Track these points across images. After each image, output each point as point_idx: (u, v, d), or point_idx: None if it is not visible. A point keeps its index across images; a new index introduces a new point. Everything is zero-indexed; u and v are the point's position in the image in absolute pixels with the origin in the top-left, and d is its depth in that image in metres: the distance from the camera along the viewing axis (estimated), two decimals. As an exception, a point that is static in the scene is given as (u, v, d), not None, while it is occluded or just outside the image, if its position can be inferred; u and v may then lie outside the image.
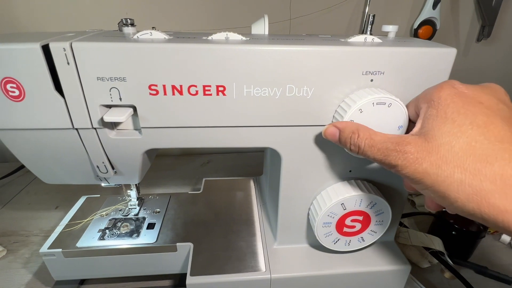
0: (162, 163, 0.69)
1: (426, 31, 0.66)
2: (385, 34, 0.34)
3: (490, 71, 0.74)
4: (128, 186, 0.41)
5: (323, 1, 0.63)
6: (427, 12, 0.65)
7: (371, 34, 0.32)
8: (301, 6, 0.63)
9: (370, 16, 0.32)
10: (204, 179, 0.51)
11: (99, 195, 0.45)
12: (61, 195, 0.56)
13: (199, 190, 0.48)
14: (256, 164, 0.70)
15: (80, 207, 0.43)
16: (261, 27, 0.34)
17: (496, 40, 0.71)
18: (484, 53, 0.72)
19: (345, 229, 0.33)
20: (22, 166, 0.62)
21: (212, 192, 0.48)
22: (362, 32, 0.66)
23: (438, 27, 0.66)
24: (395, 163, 0.22)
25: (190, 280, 0.33)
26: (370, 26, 0.32)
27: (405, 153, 0.22)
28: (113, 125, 0.29)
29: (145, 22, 0.58)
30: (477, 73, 0.74)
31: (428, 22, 0.66)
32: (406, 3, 0.66)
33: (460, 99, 0.21)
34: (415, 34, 0.67)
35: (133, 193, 0.41)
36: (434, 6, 0.64)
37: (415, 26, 0.67)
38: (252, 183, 0.51)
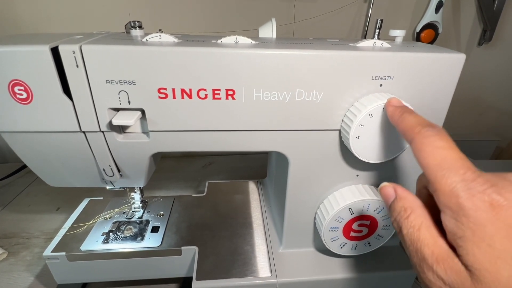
0: (164, 165, 0.68)
1: (428, 35, 0.67)
2: (391, 38, 0.34)
3: (491, 75, 0.75)
4: (132, 189, 0.40)
5: (326, 4, 0.63)
6: (430, 16, 0.65)
7: (378, 38, 0.32)
8: (304, 9, 0.63)
9: (378, 21, 0.32)
10: (207, 182, 0.51)
11: (102, 198, 0.45)
12: (62, 197, 0.56)
13: (202, 193, 0.48)
14: (258, 166, 0.69)
15: (83, 209, 0.42)
16: (269, 31, 0.34)
17: (497, 44, 0.71)
18: (485, 57, 0.72)
19: (352, 234, 0.33)
20: (23, 167, 0.62)
21: (216, 194, 0.48)
22: (365, 35, 0.66)
23: (440, 31, 0.66)
24: (421, 278, 0.19)
25: (196, 284, 0.32)
26: (378, 30, 0.32)
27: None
28: (121, 129, 0.28)
29: (149, 23, 0.58)
30: (478, 77, 0.74)
31: (430, 26, 0.66)
32: (408, 7, 0.66)
33: (505, 229, 0.16)
34: (418, 37, 0.67)
35: (136, 196, 0.41)
36: (437, 10, 0.64)
37: (418, 29, 0.67)
38: (256, 186, 0.50)
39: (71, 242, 0.36)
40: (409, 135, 0.21)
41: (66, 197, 0.55)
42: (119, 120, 0.25)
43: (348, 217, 0.32)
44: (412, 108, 0.25)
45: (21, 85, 0.24)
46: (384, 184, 0.23)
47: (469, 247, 0.16)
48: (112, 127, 0.27)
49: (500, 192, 0.16)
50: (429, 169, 0.19)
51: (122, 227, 0.39)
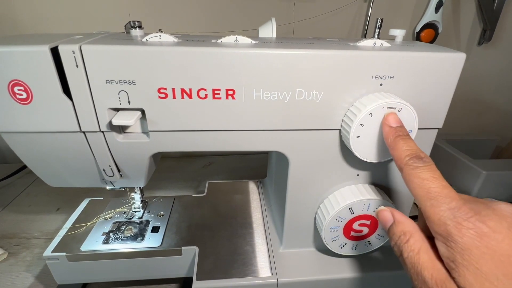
0: (164, 165, 0.68)
1: (428, 35, 0.67)
2: (391, 37, 0.34)
3: (491, 75, 0.75)
4: (132, 189, 0.40)
5: (326, 4, 0.63)
6: (430, 15, 0.65)
7: (378, 38, 0.32)
8: (304, 9, 0.63)
9: (378, 20, 0.32)
10: (207, 182, 0.51)
11: (102, 198, 0.45)
12: (62, 197, 0.55)
13: (202, 193, 0.48)
14: (258, 166, 0.69)
15: (83, 209, 0.42)
16: (269, 30, 0.34)
17: (497, 44, 0.71)
18: (485, 57, 0.72)
19: (353, 233, 0.33)
20: (22, 168, 0.62)
21: (216, 194, 0.48)
22: (365, 35, 0.66)
23: (440, 30, 0.66)
24: None
25: (196, 284, 0.32)
26: (378, 30, 0.32)
27: None
28: (121, 129, 0.28)
29: (149, 23, 0.58)
30: (478, 76, 0.74)
31: (430, 25, 0.66)
32: (408, 6, 0.66)
33: (489, 254, 0.17)
34: (417, 37, 0.67)
35: (137, 196, 0.41)
36: (437, 9, 0.64)
37: (418, 29, 0.67)
38: (256, 186, 0.50)
39: (71, 242, 0.36)
40: (399, 165, 0.23)
41: (66, 198, 0.55)
42: (119, 120, 0.25)
43: (348, 216, 0.32)
44: (406, 130, 0.26)
45: (21, 85, 0.24)
46: (381, 208, 0.24)
47: (460, 270, 0.17)
48: (112, 127, 0.27)
49: (483, 220, 0.18)
50: (418, 199, 0.21)
51: (122, 227, 0.39)
